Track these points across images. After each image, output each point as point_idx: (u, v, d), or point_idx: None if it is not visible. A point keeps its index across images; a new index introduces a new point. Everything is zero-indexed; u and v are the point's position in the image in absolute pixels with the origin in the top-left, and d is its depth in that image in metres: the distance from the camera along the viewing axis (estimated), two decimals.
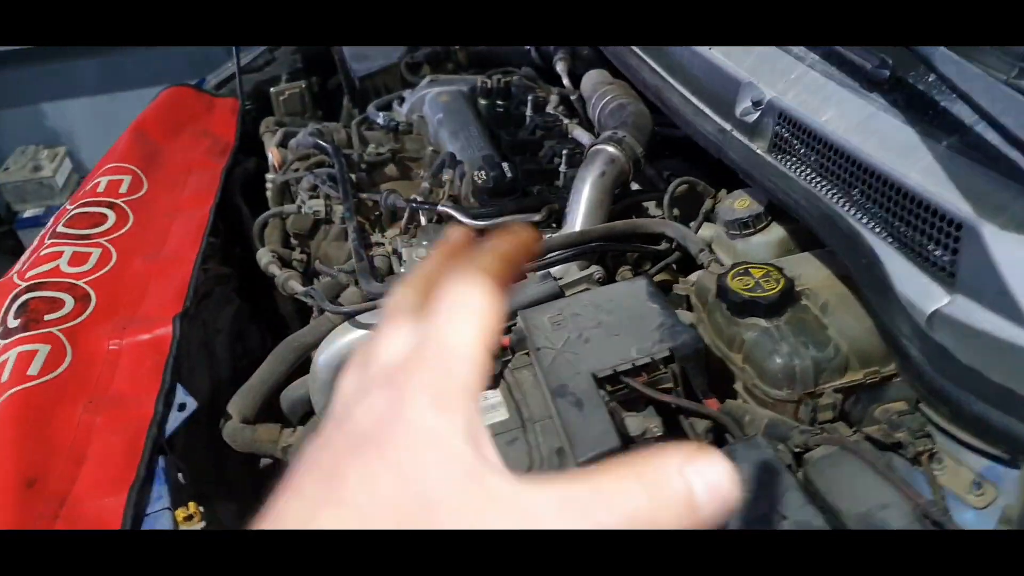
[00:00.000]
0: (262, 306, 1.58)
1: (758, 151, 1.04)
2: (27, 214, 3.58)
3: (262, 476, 1.24)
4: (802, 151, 1.00)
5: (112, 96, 3.72)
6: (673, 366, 0.87)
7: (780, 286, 0.91)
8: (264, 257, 1.34)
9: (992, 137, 0.82)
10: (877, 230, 0.88)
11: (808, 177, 0.98)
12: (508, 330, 0.99)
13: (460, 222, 1.26)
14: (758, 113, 1.06)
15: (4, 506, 0.86)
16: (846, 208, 0.93)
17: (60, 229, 1.34)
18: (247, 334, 1.51)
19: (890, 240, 0.87)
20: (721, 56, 1.16)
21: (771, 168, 0.98)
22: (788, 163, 1.01)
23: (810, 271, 0.98)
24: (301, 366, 1.23)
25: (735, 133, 1.08)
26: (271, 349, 1.57)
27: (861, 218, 0.90)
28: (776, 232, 1.08)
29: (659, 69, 1.24)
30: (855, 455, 0.74)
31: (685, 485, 0.29)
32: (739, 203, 1.09)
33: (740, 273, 0.94)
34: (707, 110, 1.14)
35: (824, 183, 0.96)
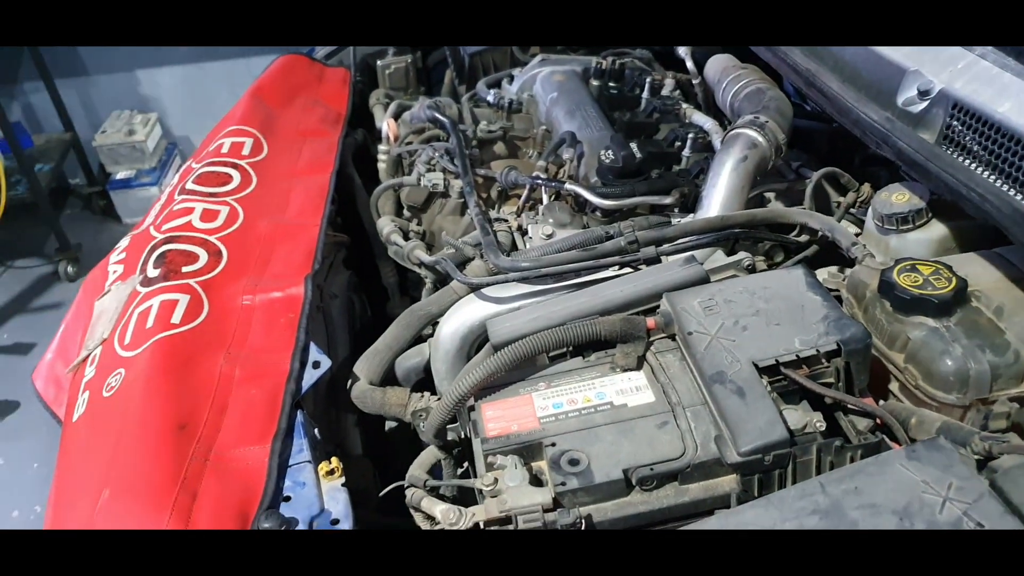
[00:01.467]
0: (364, 277, 1.59)
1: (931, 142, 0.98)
2: (119, 176, 3.70)
3: (377, 441, 1.25)
4: (976, 144, 0.94)
5: (201, 66, 3.80)
6: (837, 360, 0.83)
7: (953, 285, 0.87)
8: (387, 226, 1.34)
9: None
10: None
11: (983, 171, 0.93)
12: (652, 311, 0.97)
13: (586, 201, 1.24)
14: (925, 103, 1.00)
15: (160, 446, 0.88)
16: None
17: (189, 186, 1.37)
18: (353, 303, 1.52)
19: None
20: None
21: (948, 160, 0.93)
22: (960, 156, 0.96)
23: (980, 271, 0.93)
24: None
25: (899, 123, 1.03)
26: (372, 319, 1.58)
27: None
28: (936, 229, 1.03)
29: (807, 53, 1.19)
30: None
31: None
32: (897, 197, 1.04)
33: (907, 269, 0.89)
34: (863, 98, 1.09)
35: (1001, 178, 0.91)
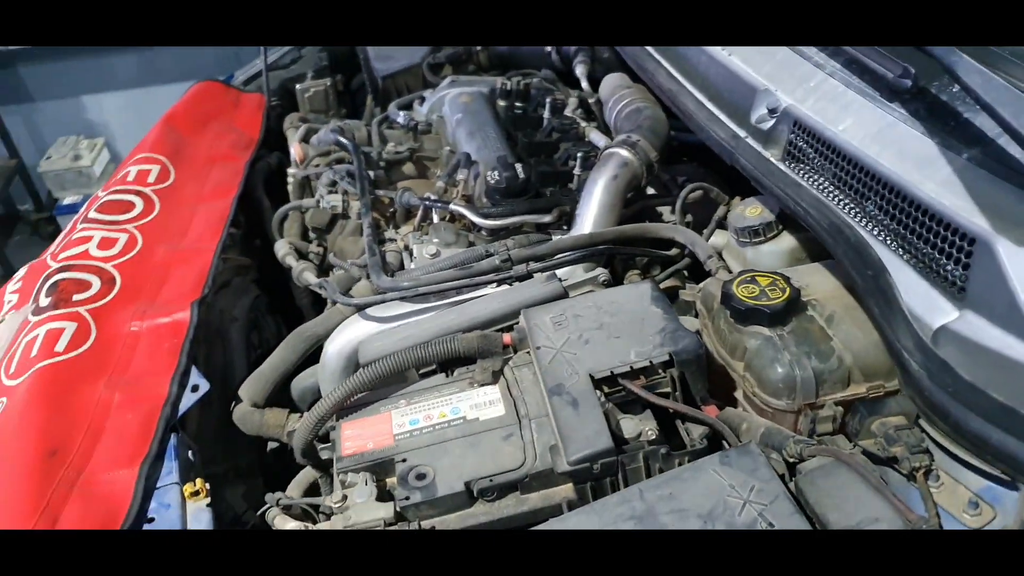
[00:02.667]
0: (279, 297, 1.61)
1: (771, 159, 1.03)
2: (66, 201, 3.70)
3: (273, 461, 1.26)
4: (816, 160, 0.99)
5: (147, 90, 3.82)
6: (672, 371, 0.87)
7: (786, 295, 0.91)
8: (281, 249, 1.36)
9: (1015, 151, 0.80)
10: (888, 242, 0.87)
11: (820, 186, 0.98)
12: (510, 328, 1.00)
13: (472, 221, 1.27)
14: (773, 121, 1.05)
15: (28, 473, 0.90)
16: (858, 219, 0.92)
17: (92, 215, 1.39)
18: (263, 324, 1.54)
19: (901, 252, 0.86)
20: (739, 62, 1.15)
21: (782, 176, 0.98)
22: (801, 172, 1.01)
23: (819, 281, 0.97)
24: (312, 355, 1.25)
25: (750, 140, 1.08)
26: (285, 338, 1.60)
27: (873, 229, 0.90)
28: (787, 241, 1.07)
29: (676, 74, 1.24)
30: (848, 467, 0.73)
31: None
32: (751, 210, 1.08)
33: (746, 281, 0.94)
34: (722, 116, 1.14)
35: (837, 193, 0.96)
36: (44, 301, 1.19)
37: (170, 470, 0.96)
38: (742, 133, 1.09)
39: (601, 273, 1.08)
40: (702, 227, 1.26)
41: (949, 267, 0.80)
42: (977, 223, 0.78)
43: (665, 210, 1.40)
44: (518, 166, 1.30)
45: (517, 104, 1.64)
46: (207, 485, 0.93)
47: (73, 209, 3.69)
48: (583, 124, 1.55)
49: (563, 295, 1.03)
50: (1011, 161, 0.81)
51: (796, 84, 1.08)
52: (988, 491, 0.73)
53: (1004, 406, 0.69)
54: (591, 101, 1.60)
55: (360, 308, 1.15)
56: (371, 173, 1.48)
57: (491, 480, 0.82)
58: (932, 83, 0.96)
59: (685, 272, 1.20)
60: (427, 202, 1.32)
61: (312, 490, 1.05)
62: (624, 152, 1.19)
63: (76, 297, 1.19)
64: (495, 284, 1.12)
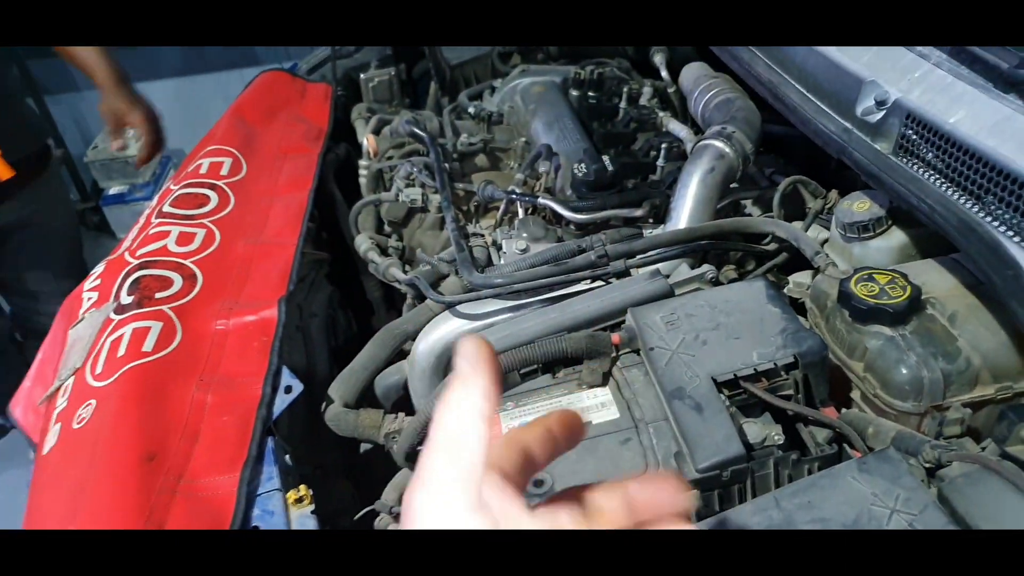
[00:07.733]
0: (350, 292, 1.61)
1: (883, 152, 1.00)
2: (112, 191, 3.72)
3: (358, 461, 1.26)
4: (930, 154, 0.95)
5: (193, 79, 3.82)
6: (795, 373, 0.85)
7: (907, 294, 0.88)
8: (363, 244, 1.35)
9: None
10: (1017, 239, 0.84)
11: (937, 181, 0.94)
12: (617, 327, 0.98)
13: (560, 215, 1.25)
14: (882, 113, 1.01)
15: (127, 479, 0.89)
16: (980, 215, 0.88)
17: (166, 208, 1.39)
18: (338, 319, 1.53)
19: None
20: (838, 53, 1.12)
21: (901, 171, 0.94)
22: (915, 166, 0.97)
23: (935, 279, 0.94)
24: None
25: (857, 133, 1.04)
26: (358, 335, 1.60)
27: (998, 226, 0.86)
28: (897, 237, 1.04)
29: (772, 64, 1.20)
30: (998, 475, 0.70)
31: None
32: (859, 205, 1.05)
33: (864, 279, 0.91)
34: (825, 108, 1.10)
35: (954, 188, 0.92)
36: (126, 299, 1.18)
37: (270, 475, 0.95)
38: (848, 125, 1.06)
39: (709, 270, 1.06)
40: (791, 221, 1.22)
41: None
42: None
43: (748, 203, 1.37)
44: (605, 158, 1.28)
45: (591, 94, 1.61)
46: (311, 492, 0.92)
47: (119, 199, 3.72)
48: (661, 114, 1.52)
49: (669, 293, 1.01)
50: None
51: (899, 75, 1.04)
52: None
53: None
54: (670, 91, 1.56)
55: (451, 305, 1.14)
56: (447, 165, 1.46)
57: None
58: None
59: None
60: (512, 195, 1.30)
61: None
62: (720, 144, 1.15)
63: (159, 295, 1.18)
64: (590, 281, 1.10)
